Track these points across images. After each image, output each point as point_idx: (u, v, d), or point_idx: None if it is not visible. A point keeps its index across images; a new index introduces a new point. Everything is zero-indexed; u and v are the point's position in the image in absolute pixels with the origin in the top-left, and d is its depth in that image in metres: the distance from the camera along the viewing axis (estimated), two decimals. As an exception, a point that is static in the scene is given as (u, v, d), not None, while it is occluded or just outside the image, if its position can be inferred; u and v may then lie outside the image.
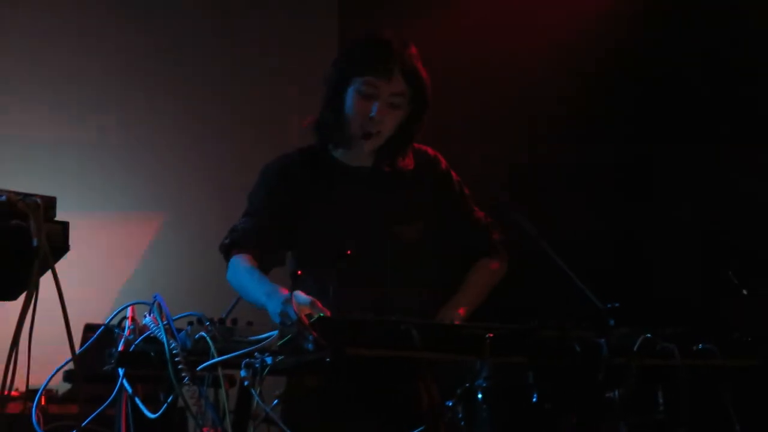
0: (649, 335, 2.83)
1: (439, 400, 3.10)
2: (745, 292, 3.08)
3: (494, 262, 3.50)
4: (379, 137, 3.36)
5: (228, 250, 3.33)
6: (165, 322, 2.77)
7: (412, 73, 3.35)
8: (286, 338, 2.69)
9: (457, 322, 3.12)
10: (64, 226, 2.28)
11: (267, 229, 3.34)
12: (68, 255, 2.33)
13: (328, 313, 2.78)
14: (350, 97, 3.35)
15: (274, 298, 2.92)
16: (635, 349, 2.81)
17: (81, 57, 6.27)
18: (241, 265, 3.26)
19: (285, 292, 2.88)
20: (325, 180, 3.42)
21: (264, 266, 3.27)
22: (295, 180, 3.41)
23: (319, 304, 2.83)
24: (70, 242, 2.31)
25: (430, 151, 3.54)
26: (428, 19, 5.90)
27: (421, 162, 3.48)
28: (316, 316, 2.66)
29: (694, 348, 2.92)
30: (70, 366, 2.86)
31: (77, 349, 2.46)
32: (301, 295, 2.86)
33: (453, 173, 3.53)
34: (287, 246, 3.40)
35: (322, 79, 3.44)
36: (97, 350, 2.96)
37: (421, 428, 2.83)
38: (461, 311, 3.27)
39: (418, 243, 3.39)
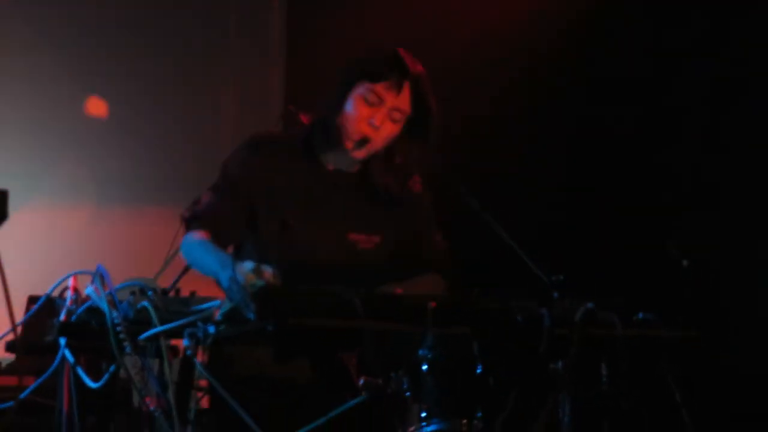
0: (590, 306, 2.85)
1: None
2: (685, 263, 3.11)
3: (441, 282, 3.49)
4: (372, 146, 3.34)
5: (188, 223, 3.32)
6: (107, 292, 2.75)
7: (420, 96, 3.34)
8: (226, 308, 2.69)
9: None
10: (3, 194, 2.26)
11: (229, 210, 3.33)
12: (9, 224, 2.31)
13: (271, 279, 2.76)
14: (352, 101, 3.33)
15: (227, 267, 2.88)
16: (577, 319, 2.82)
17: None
18: (196, 238, 3.25)
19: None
20: (300, 174, 3.40)
21: (220, 243, 3.24)
22: (272, 164, 3.38)
23: (265, 272, 2.80)
24: (11, 211, 2.29)
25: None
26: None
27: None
28: (258, 285, 2.65)
29: (634, 318, 2.95)
30: (12, 337, 2.84)
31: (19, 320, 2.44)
32: (247, 262, 2.82)
33: (426, 193, 3.55)
34: (244, 229, 3.38)
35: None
36: (41, 322, 2.94)
37: (363, 397, 2.82)
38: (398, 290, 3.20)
39: (372, 253, 3.39)
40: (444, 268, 3.52)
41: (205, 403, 3.03)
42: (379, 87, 3.31)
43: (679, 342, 2.99)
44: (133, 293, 2.81)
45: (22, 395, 2.92)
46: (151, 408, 2.78)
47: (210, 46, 6.67)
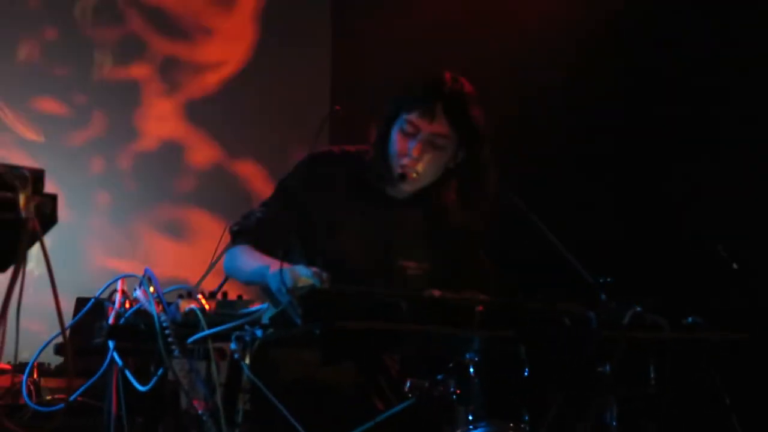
0: (639, 309, 2.83)
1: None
2: (735, 266, 3.08)
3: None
4: (418, 180, 3.27)
5: (234, 237, 3.29)
6: (155, 295, 2.77)
7: (458, 114, 3.23)
8: (273, 312, 2.69)
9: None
10: (53, 198, 2.27)
11: (279, 220, 3.29)
12: (60, 229, 2.33)
13: (327, 283, 2.75)
14: (395, 134, 3.27)
15: (276, 271, 2.80)
16: (625, 322, 2.80)
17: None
18: (241, 251, 3.22)
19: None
20: (355, 194, 3.35)
21: (266, 250, 3.18)
22: (330, 181, 3.34)
23: (324, 276, 2.77)
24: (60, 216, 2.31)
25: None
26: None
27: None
28: (306, 288, 2.65)
29: (684, 321, 2.92)
30: (61, 340, 2.86)
31: (68, 323, 2.46)
32: (303, 268, 2.79)
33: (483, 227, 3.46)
34: (294, 238, 3.33)
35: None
36: (89, 324, 2.96)
37: (411, 400, 2.83)
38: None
39: (420, 279, 3.32)
40: (488, 286, 3.39)
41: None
42: (413, 116, 3.23)
43: (727, 345, 2.97)
44: (180, 296, 2.83)
45: (72, 397, 2.94)
46: (199, 411, 2.79)
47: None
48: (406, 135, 3.24)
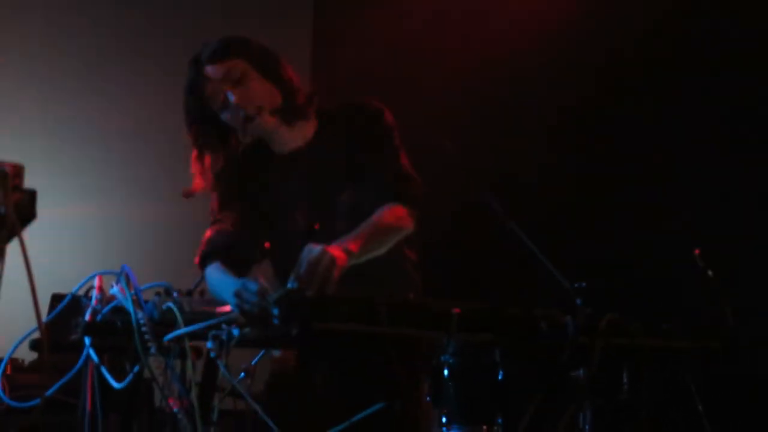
0: (614, 315, 2.84)
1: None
2: (710, 273, 3.09)
3: (401, 209, 3.25)
4: (261, 114, 3.27)
5: (202, 266, 3.28)
6: (132, 292, 2.76)
7: (220, 51, 3.27)
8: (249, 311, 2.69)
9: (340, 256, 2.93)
10: (32, 194, 2.26)
11: (228, 234, 3.28)
12: (37, 224, 2.32)
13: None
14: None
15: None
16: (601, 328, 2.81)
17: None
18: (211, 275, 3.21)
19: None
20: (265, 171, 3.37)
21: (239, 267, 3.20)
22: (243, 178, 3.35)
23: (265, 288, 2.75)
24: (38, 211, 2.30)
25: (362, 104, 3.41)
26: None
27: (345, 119, 3.38)
28: (282, 291, 2.66)
29: (658, 327, 2.94)
30: (37, 335, 2.85)
31: (44, 319, 2.45)
32: (251, 283, 2.77)
33: (384, 122, 3.36)
34: (253, 243, 3.34)
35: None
36: (64, 320, 2.95)
37: (382, 404, 2.83)
38: (353, 247, 3.00)
39: (356, 204, 3.26)
40: (409, 193, 3.28)
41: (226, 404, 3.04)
42: (199, 90, 3.26)
43: (702, 352, 2.98)
44: (158, 294, 2.83)
45: (48, 393, 2.93)
46: (174, 409, 2.79)
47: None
48: (212, 102, 3.26)
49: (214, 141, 3.30)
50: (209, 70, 3.25)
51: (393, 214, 3.20)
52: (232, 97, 3.23)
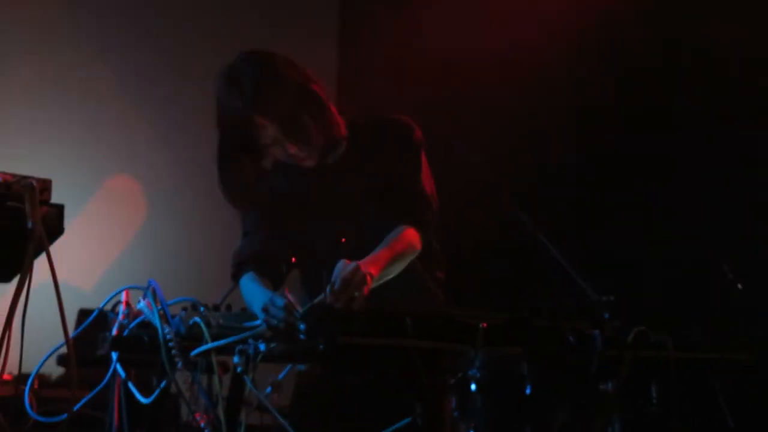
0: (642, 328, 2.83)
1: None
2: (740, 286, 3.08)
3: (415, 234, 3.24)
4: (311, 154, 3.24)
5: (235, 277, 3.27)
6: (159, 307, 2.76)
7: (273, 102, 3.16)
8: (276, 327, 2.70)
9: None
10: (60, 209, 2.27)
11: (261, 245, 3.28)
12: (64, 239, 2.32)
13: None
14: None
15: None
16: (629, 340, 2.80)
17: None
18: (245, 286, 3.21)
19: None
20: (294, 185, 3.35)
21: (274, 277, 3.22)
22: (273, 191, 3.34)
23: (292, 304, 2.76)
24: (66, 226, 2.30)
25: (392, 121, 3.40)
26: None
27: (374, 134, 3.36)
28: (309, 306, 2.66)
29: (687, 341, 2.92)
30: (64, 350, 2.86)
31: (71, 333, 2.45)
32: (278, 298, 2.79)
33: (413, 141, 3.36)
34: (284, 253, 3.32)
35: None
36: (92, 335, 2.95)
37: (409, 419, 2.82)
38: (373, 270, 2.98)
39: (379, 219, 3.25)
40: (423, 218, 3.29)
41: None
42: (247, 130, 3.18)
43: (731, 365, 2.96)
44: (184, 308, 2.83)
45: (75, 407, 2.93)
46: (201, 424, 2.79)
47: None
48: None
49: (245, 157, 3.28)
50: (263, 121, 3.15)
51: (407, 239, 3.21)
52: (291, 150, 3.20)
